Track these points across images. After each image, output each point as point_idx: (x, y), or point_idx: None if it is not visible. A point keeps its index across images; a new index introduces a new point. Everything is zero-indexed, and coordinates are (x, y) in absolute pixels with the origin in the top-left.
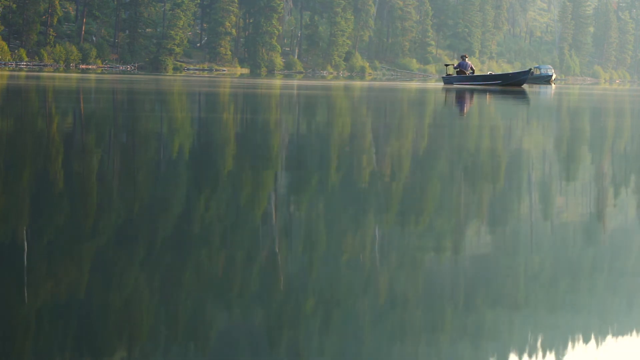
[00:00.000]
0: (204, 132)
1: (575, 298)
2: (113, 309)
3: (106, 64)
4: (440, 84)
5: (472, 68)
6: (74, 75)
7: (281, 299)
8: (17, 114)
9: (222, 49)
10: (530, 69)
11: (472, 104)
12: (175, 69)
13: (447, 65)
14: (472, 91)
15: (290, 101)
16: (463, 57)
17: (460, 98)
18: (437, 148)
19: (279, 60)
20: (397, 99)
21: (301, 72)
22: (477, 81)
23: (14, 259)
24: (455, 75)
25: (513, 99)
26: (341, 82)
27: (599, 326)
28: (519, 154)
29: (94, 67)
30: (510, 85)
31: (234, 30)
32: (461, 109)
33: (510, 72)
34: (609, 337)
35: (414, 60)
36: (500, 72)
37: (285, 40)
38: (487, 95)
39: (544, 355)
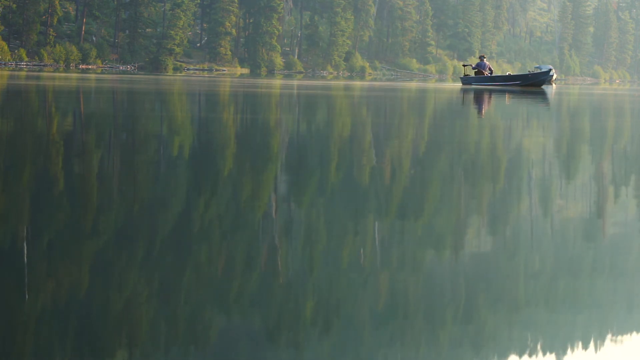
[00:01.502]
0: (204, 132)
1: (576, 299)
2: (113, 309)
3: (106, 64)
4: (448, 84)
5: (490, 68)
6: (74, 75)
7: (281, 299)
8: (18, 114)
9: (222, 49)
10: (551, 69)
11: (501, 105)
12: (175, 69)
13: (464, 65)
14: (491, 92)
15: (291, 101)
16: (481, 58)
17: (481, 99)
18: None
19: (279, 60)
20: (418, 100)
21: (301, 72)
22: (496, 82)
23: (14, 259)
24: (473, 75)
25: (534, 100)
26: (346, 83)
27: (599, 327)
28: (548, 154)
29: (94, 67)
30: (530, 85)
31: (234, 30)
32: (479, 110)
33: (530, 72)
34: (609, 338)
35: (414, 60)
36: (519, 73)
37: (285, 40)
38: (507, 96)
39: (544, 357)
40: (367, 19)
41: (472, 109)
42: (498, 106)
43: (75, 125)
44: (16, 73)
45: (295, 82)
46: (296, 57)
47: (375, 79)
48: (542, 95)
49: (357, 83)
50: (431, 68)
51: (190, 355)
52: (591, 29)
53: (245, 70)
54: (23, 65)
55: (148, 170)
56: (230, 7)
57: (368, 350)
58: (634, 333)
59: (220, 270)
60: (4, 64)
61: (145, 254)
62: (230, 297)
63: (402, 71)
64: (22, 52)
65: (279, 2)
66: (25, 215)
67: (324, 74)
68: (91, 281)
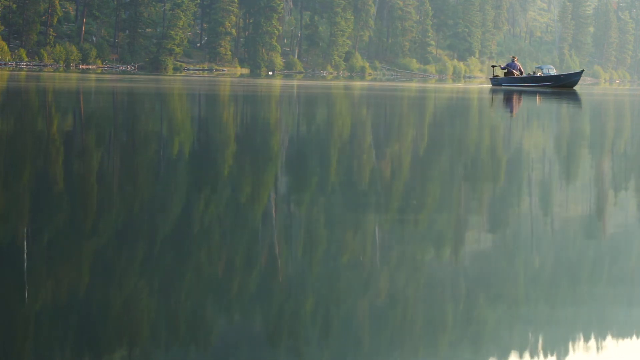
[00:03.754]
0: (204, 132)
1: (576, 298)
2: (113, 309)
3: (106, 64)
4: (448, 84)
5: (520, 69)
6: (74, 75)
7: (281, 299)
8: (18, 114)
9: (222, 49)
10: (583, 70)
11: (533, 106)
12: (175, 69)
13: (493, 66)
14: (521, 92)
15: (291, 101)
16: (512, 59)
17: (510, 100)
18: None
19: (279, 60)
20: (446, 102)
21: (301, 72)
22: (527, 82)
23: (14, 259)
24: (502, 76)
25: (567, 100)
26: (346, 83)
27: (599, 327)
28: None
29: (94, 67)
30: (562, 86)
31: (234, 30)
32: (510, 111)
33: (562, 73)
34: (609, 338)
35: (414, 60)
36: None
37: (285, 40)
38: (537, 97)
39: (544, 357)
40: (367, 19)
41: (514, 113)
42: (533, 108)
43: (75, 125)
44: (16, 73)
45: (295, 82)
46: (296, 57)
47: (375, 79)
48: (574, 96)
49: (358, 83)
50: (431, 68)
51: (190, 355)
52: (591, 29)
53: (245, 71)
54: (23, 65)
55: (148, 170)
56: (230, 7)
57: (368, 350)
58: (634, 333)
59: (220, 270)
60: (4, 64)
61: (145, 253)
62: (230, 297)
63: (402, 71)
64: (22, 52)
65: (279, 2)
66: (25, 215)
67: (324, 74)
68: (91, 281)
